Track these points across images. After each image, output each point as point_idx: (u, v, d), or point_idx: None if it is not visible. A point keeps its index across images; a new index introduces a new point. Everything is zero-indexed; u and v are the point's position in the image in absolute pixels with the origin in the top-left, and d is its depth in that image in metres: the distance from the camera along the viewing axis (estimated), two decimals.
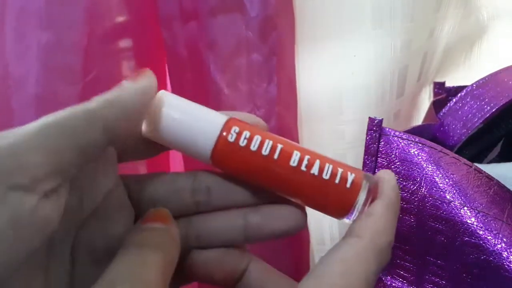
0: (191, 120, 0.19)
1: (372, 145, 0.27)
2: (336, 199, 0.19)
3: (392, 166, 0.26)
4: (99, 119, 0.16)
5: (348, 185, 0.18)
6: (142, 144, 0.19)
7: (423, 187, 0.25)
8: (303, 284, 0.16)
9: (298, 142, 0.35)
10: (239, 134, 0.19)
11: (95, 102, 0.17)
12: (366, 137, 0.27)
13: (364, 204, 0.19)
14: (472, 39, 0.44)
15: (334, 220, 0.40)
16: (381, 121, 0.26)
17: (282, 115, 0.32)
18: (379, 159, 0.27)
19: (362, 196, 0.18)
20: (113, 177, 0.19)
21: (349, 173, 0.19)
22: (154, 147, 0.20)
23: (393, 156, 0.26)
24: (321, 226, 0.38)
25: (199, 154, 0.19)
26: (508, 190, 0.25)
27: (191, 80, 0.33)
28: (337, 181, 0.18)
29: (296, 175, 0.19)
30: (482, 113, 0.31)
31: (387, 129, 0.26)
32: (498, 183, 0.25)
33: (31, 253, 0.14)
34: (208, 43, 0.31)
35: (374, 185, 0.19)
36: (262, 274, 0.21)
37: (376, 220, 0.18)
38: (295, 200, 0.20)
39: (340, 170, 0.19)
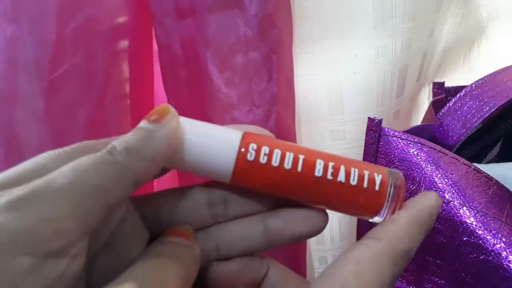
0: (207, 144, 0.18)
1: (372, 145, 0.27)
2: (367, 203, 0.18)
3: (392, 166, 0.26)
4: (130, 176, 0.16)
5: (377, 187, 0.18)
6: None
7: (422, 187, 0.25)
8: (316, 283, 0.16)
9: (295, 141, 0.35)
10: (258, 151, 0.18)
11: (122, 154, 0.16)
12: (366, 137, 0.27)
13: (393, 201, 0.18)
14: (471, 39, 0.44)
15: (334, 220, 0.41)
16: (380, 121, 0.26)
17: (281, 114, 0.32)
18: (378, 159, 0.27)
19: (395, 193, 0.18)
20: (124, 205, 0.18)
21: (375, 174, 0.18)
22: (162, 169, 0.19)
23: (392, 156, 0.26)
24: None
25: (219, 177, 0.19)
26: (507, 190, 0.25)
27: (186, 78, 0.32)
28: (365, 185, 0.18)
29: (323, 184, 0.18)
30: (481, 113, 0.31)
31: (386, 129, 0.26)
32: (497, 183, 0.25)
33: None
34: (205, 40, 0.30)
35: (400, 180, 0.18)
36: (281, 277, 0.20)
37: (397, 227, 0.17)
38: (322, 207, 0.19)
39: (366, 173, 0.18)
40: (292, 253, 0.34)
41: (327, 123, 0.37)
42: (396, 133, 0.26)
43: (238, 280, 0.20)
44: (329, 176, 0.18)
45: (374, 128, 0.26)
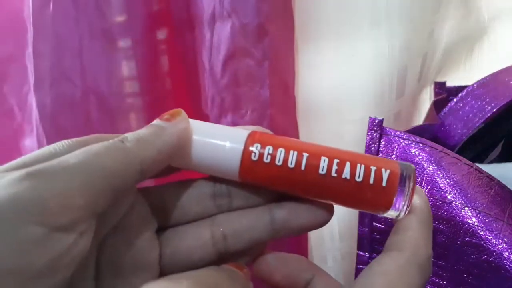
0: (213, 144, 0.19)
1: (373, 145, 0.26)
2: (373, 199, 0.18)
3: None
4: (137, 162, 0.16)
5: (384, 183, 0.18)
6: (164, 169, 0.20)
7: (424, 187, 0.25)
8: None
9: None
10: (261, 150, 0.18)
11: (133, 142, 0.17)
12: (367, 137, 0.27)
13: (411, 194, 0.18)
14: (472, 39, 0.44)
15: (334, 220, 0.40)
16: (381, 121, 0.26)
17: (275, 118, 0.33)
18: None
19: (406, 188, 0.18)
20: (132, 193, 0.19)
21: (383, 170, 0.18)
22: (170, 168, 0.20)
23: (394, 156, 0.26)
24: None
25: (225, 176, 0.19)
26: (509, 190, 0.25)
27: (191, 84, 0.33)
28: (371, 181, 0.18)
29: (327, 182, 0.18)
30: (483, 113, 0.31)
31: (388, 129, 0.26)
32: (499, 183, 0.25)
33: (63, 283, 0.15)
34: (206, 48, 0.32)
35: (414, 172, 0.18)
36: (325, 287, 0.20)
37: (414, 234, 0.17)
38: (329, 203, 0.19)
39: (373, 169, 0.18)
40: (294, 253, 0.34)
41: (327, 123, 0.37)
42: (398, 133, 0.26)
43: (279, 273, 0.20)
44: (333, 173, 0.18)
45: (375, 128, 0.26)
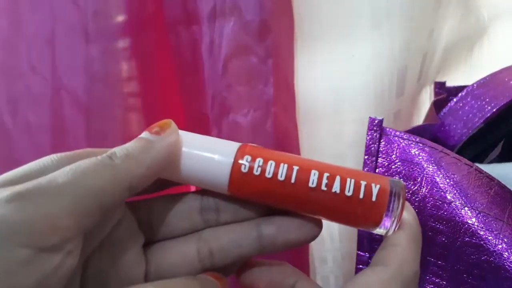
0: (203, 157, 0.19)
1: (373, 145, 0.26)
2: (362, 214, 0.18)
3: (393, 166, 0.26)
4: (126, 179, 0.16)
5: (373, 198, 0.18)
6: (153, 184, 0.19)
7: (423, 187, 0.25)
8: None
9: (297, 142, 0.35)
10: (252, 163, 0.18)
11: (121, 159, 0.17)
12: (367, 137, 0.27)
13: (400, 211, 0.18)
14: (472, 39, 0.44)
15: None
16: (381, 121, 0.26)
17: (279, 116, 0.32)
18: (379, 159, 0.26)
19: (395, 203, 0.18)
20: (120, 209, 0.19)
21: (373, 185, 0.18)
22: (159, 184, 0.20)
23: (393, 156, 0.26)
24: None
25: (216, 188, 0.19)
26: (509, 190, 0.25)
27: (192, 82, 0.33)
28: (361, 196, 0.18)
29: (317, 195, 0.18)
30: (483, 113, 0.31)
31: (387, 129, 0.26)
32: (499, 183, 0.25)
33: None
34: (207, 46, 0.31)
35: (403, 188, 0.18)
36: None
37: (402, 250, 0.17)
38: (319, 218, 0.19)
39: (363, 184, 0.18)
40: (295, 256, 0.34)
41: (327, 123, 0.37)
42: (398, 133, 0.26)
43: (265, 283, 0.20)
44: (323, 187, 0.18)
45: (375, 128, 0.26)
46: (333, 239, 0.39)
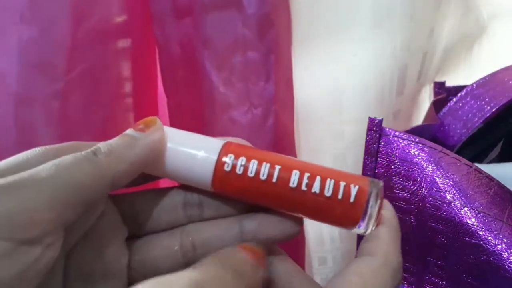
0: (188, 154, 0.19)
1: (372, 145, 0.26)
2: (341, 214, 0.18)
3: (392, 167, 0.26)
4: (109, 175, 0.17)
5: (351, 199, 0.18)
6: (138, 177, 0.20)
7: (423, 187, 0.25)
8: None
9: (294, 141, 0.34)
10: (235, 161, 0.19)
11: (105, 155, 0.17)
12: (366, 137, 0.27)
13: (378, 211, 0.18)
14: (472, 38, 0.44)
15: None
16: (381, 121, 0.26)
17: (279, 113, 0.32)
18: (379, 159, 0.26)
19: (373, 204, 0.18)
20: (103, 203, 0.19)
21: (352, 186, 0.18)
22: (145, 177, 0.20)
23: (393, 156, 0.26)
24: (320, 227, 0.38)
25: (199, 185, 0.20)
26: (508, 190, 0.25)
27: (184, 78, 0.32)
28: (340, 196, 0.18)
29: (297, 195, 0.18)
30: (482, 113, 0.31)
31: (387, 129, 0.26)
32: (498, 184, 0.25)
33: None
34: (203, 40, 0.30)
35: (381, 189, 0.18)
36: (288, 275, 0.20)
37: (385, 242, 0.18)
38: (299, 216, 0.19)
39: (342, 185, 0.18)
40: (291, 255, 0.34)
41: (327, 123, 0.37)
42: (397, 133, 0.26)
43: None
44: (303, 187, 0.18)
45: (374, 128, 0.26)
46: (333, 239, 0.39)
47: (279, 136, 0.32)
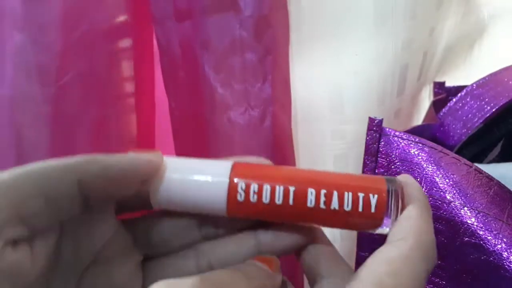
0: (197, 186, 0.19)
1: (373, 145, 0.26)
2: (363, 223, 0.18)
3: (392, 166, 0.26)
4: (74, 173, 0.16)
5: (372, 209, 0.18)
6: (140, 202, 0.19)
7: (423, 187, 0.25)
8: (350, 285, 0.16)
9: (292, 142, 0.34)
10: (247, 191, 0.18)
11: (75, 158, 0.16)
12: (367, 137, 0.27)
13: (397, 209, 0.18)
14: (472, 38, 0.44)
15: None
16: (381, 121, 0.26)
17: (277, 114, 0.32)
18: (379, 159, 0.27)
19: (394, 207, 0.18)
20: (112, 224, 0.19)
21: (371, 195, 0.18)
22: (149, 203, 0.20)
23: (393, 156, 0.26)
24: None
25: (215, 214, 0.19)
26: (508, 190, 0.25)
27: (185, 79, 0.32)
28: (360, 209, 0.18)
29: (316, 213, 0.18)
30: (482, 113, 0.31)
31: (387, 129, 0.26)
32: (498, 183, 0.25)
33: None
34: (202, 42, 0.30)
35: (400, 188, 0.18)
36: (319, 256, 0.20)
37: (416, 221, 0.17)
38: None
39: (361, 196, 0.18)
40: (292, 255, 0.34)
41: (327, 123, 0.37)
42: (397, 133, 0.26)
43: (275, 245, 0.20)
44: (322, 205, 0.18)
45: (374, 128, 0.26)
46: (333, 239, 0.39)
47: (276, 137, 0.32)
